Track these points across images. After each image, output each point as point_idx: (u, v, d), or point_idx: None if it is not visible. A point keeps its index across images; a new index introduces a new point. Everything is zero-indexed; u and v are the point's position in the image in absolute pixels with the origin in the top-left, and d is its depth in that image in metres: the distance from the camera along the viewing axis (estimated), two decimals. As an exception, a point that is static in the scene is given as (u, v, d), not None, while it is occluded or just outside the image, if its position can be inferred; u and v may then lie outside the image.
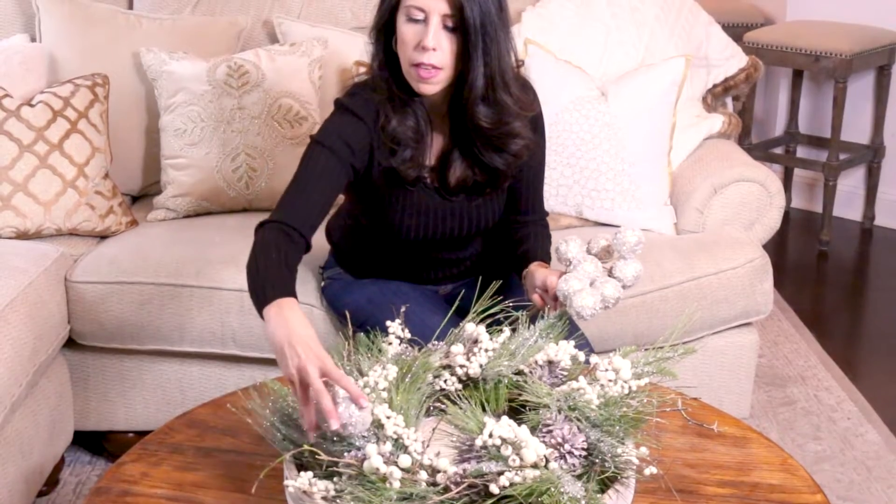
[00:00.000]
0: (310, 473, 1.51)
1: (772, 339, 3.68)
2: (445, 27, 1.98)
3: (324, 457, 1.53)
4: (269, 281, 1.83)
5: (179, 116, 2.85)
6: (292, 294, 1.81)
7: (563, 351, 1.75)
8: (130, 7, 3.18)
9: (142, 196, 3.10)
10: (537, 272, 2.05)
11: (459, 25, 1.97)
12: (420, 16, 1.98)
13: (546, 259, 2.21)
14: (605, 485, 1.55)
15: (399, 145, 2.10)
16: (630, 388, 1.66)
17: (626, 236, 1.90)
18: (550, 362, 1.76)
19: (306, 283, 2.57)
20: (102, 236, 2.79)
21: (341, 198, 2.29)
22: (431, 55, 1.97)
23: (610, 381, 1.66)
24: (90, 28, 2.99)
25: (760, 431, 2.09)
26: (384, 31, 2.06)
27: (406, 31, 1.99)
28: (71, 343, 2.66)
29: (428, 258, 2.32)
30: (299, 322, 1.71)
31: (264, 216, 2.82)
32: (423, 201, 2.19)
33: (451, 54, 1.99)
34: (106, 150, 2.81)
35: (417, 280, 2.37)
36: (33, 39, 3.02)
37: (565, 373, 1.75)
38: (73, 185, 2.70)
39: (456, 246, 2.30)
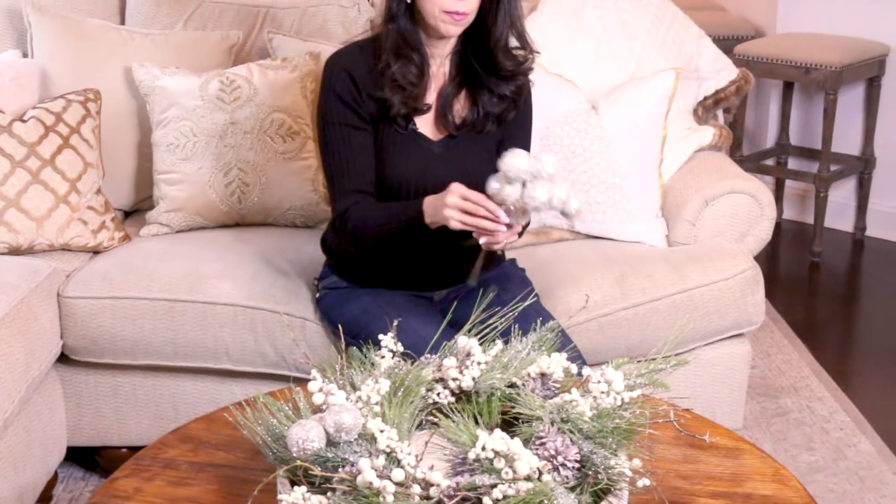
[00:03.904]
0: (303, 488, 1.51)
1: (764, 350, 3.69)
2: None
3: (317, 472, 1.53)
4: (397, 213, 2.22)
5: (172, 131, 2.86)
6: (414, 203, 2.19)
7: (556, 363, 1.75)
8: (122, 22, 3.18)
9: (134, 211, 3.10)
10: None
11: None
12: None
13: None
14: (598, 496, 1.55)
15: (398, 86, 2.28)
16: (623, 399, 1.66)
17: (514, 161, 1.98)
18: (543, 374, 1.76)
19: (300, 295, 2.58)
20: (95, 252, 2.79)
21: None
22: (465, 3, 2.20)
23: (602, 393, 1.67)
24: (82, 43, 2.99)
25: (753, 442, 2.10)
26: None
27: None
28: (64, 358, 2.66)
29: (428, 249, 2.32)
30: (430, 200, 2.15)
31: (257, 231, 2.88)
32: (415, 145, 2.34)
33: (478, 1, 2.24)
34: (98, 165, 2.81)
35: (413, 284, 2.37)
36: (25, 55, 3.02)
37: (558, 385, 1.75)
38: (65, 201, 2.70)
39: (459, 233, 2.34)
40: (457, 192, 2.07)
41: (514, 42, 2.34)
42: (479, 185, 2.18)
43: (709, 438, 1.88)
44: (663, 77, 2.95)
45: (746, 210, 2.90)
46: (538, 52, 2.38)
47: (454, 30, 2.25)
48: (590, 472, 1.56)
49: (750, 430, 3.13)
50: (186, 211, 2.87)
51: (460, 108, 2.37)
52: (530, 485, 1.48)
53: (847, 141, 4.83)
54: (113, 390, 2.70)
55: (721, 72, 3.25)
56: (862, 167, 4.81)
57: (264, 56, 3.12)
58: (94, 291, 2.60)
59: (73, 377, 2.70)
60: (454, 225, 2.07)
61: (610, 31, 3.15)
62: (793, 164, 5.08)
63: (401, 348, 1.81)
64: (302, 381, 1.74)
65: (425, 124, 2.36)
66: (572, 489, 1.54)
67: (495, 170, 2.04)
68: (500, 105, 2.36)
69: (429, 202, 2.15)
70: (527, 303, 1.93)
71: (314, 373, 1.68)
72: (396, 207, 2.26)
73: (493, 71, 2.33)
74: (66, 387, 2.70)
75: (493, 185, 2.02)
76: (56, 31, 2.98)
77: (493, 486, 1.49)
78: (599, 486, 1.55)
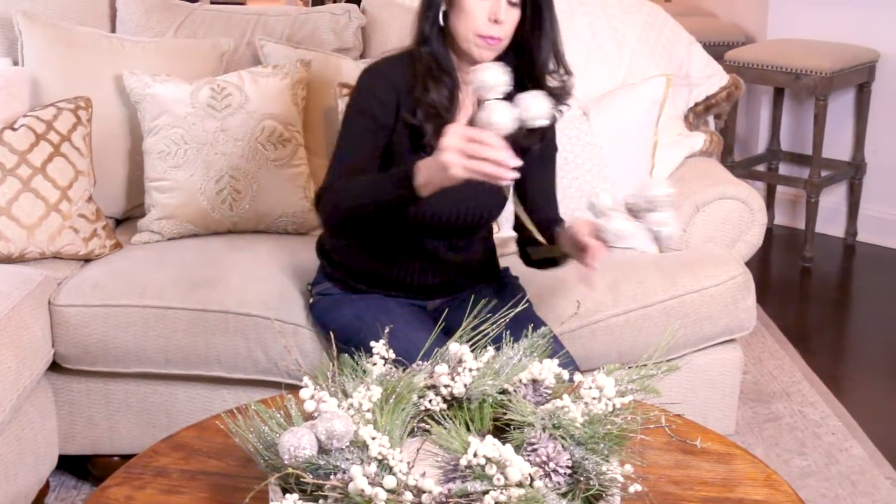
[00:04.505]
0: (295, 496, 1.51)
1: (756, 355, 3.70)
2: (510, 2, 2.16)
3: (309, 479, 1.53)
4: (388, 180, 2.07)
5: (163, 139, 2.86)
6: (402, 168, 2.04)
7: (547, 369, 1.76)
8: (113, 30, 3.18)
9: (126, 219, 3.10)
10: (576, 221, 2.06)
11: (522, 3, 2.17)
12: None
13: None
14: (589, 502, 1.55)
15: (433, 111, 2.21)
16: (614, 405, 1.66)
17: (653, 192, 1.88)
18: (534, 381, 1.76)
19: (293, 301, 2.58)
20: (86, 259, 2.79)
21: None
22: (500, 28, 2.15)
23: (594, 399, 1.67)
24: (73, 51, 2.99)
25: (745, 448, 2.10)
26: (434, 6, 2.21)
27: (474, 5, 2.15)
28: (55, 367, 2.65)
29: (427, 255, 2.32)
30: (425, 161, 1.98)
31: (249, 238, 2.88)
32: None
33: (513, 26, 2.18)
34: (89, 173, 2.81)
35: (408, 292, 2.37)
36: (16, 63, 3.02)
37: (549, 391, 1.76)
38: (56, 209, 2.70)
39: (461, 234, 2.35)
40: (455, 132, 1.88)
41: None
42: (493, 218, 2.26)
43: (700, 444, 1.89)
44: (654, 83, 2.96)
45: (737, 216, 2.91)
46: (572, 74, 2.29)
47: (488, 55, 2.18)
48: (581, 478, 1.56)
49: (742, 436, 3.14)
50: (178, 218, 2.87)
51: None
52: (522, 491, 1.48)
53: (838, 146, 4.85)
54: (105, 398, 2.70)
55: (712, 78, 3.27)
56: (853, 172, 4.82)
57: (255, 63, 3.12)
58: (86, 299, 2.60)
59: (65, 385, 2.69)
60: (457, 172, 1.88)
61: (600, 37, 3.16)
62: (784, 169, 5.09)
63: (392, 355, 1.81)
64: (294, 388, 1.74)
65: None
66: (564, 495, 1.55)
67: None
68: (526, 138, 2.24)
69: (423, 163, 1.98)
70: (518, 309, 1.92)
71: (306, 380, 1.68)
72: (382, 174, 2.16)
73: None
74: (58, 395, 2.69)
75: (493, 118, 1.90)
76: (46, 39, 2.98)
77: (485, 492, 1.49)
78: (591, 492, 1.55)
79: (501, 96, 1.93)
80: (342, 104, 2.92)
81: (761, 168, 5.07)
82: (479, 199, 2.29)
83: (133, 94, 2.90)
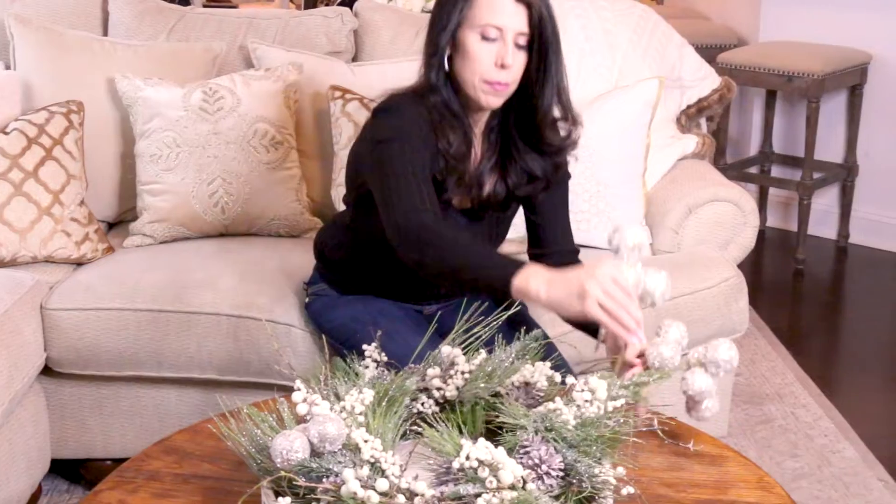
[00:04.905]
0: (288, 499, 1.51)
1: (749, 357, 3.70)
2: (517, 45, 2.05)
3: (301, 482, 1.53)
4: (489, 261, 1.91)
5: (155, 142, 2.85)
6: (519, 260, 1.90)
7: (539, 372, 1.76)
8: (105, 34, 3.18)
9: (118, 222, 3.10)
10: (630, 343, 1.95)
11: (529, 44, 2.05)
12: (495, 34, 2.03)
13: None
14: (582, 505, 1.55)
15: (456, 164, 2.11)
16: (606, 408, 1.67)
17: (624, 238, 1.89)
18: (527, 384, 1.76)
19: (285, 302, 2.57)
20: (78, 263, 2.78)
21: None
22: (508, 73, 2.04)
23: (587, 401, 1.67)
24: (65, 55, 2.99)
25: (738, 450, 2.10)
26: (439, 52, 2.08)
27: (479, 50, 2.04)
28: (47, 371, 2.65)
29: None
30: (556, 272, 1.82)
31: (241, 241, 2.87)
32: (451, 224, 2.16)
33: (520, 71, 2.07)
34: (81, 176, 2.81)
35: (405, 298, 2.37)
36: (8, 67, 3.01)
37: (542, 394, 1.76)
38: (48, 213, 2.69)
39: None
40: (609, 273, 1.78)
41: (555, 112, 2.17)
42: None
43: (693, 446, 1.89)
44: (646, 86, 2.96)
45: (730, 218, 2.91)
46: (582, 124, 2.19)
47: (495, 101, 2.08)
48: (574, 481, 1.56)
49: (735, 438, 3.14)
50: (170, 222, 2.87)
51: (489, 184, 2.20)
52: (514, 494, 1.48)
53: (830, 149, 4.86)
54: (97, 402, 2.69)
55: (704, 80, 3.27)
56: (845, 175, 4.83)
57: (247, 67, 3.12)
58: (78, 303, 2.59)
59: (57, 389, 2.69)
60: (591, 306, 1.77)
61: (593, 40, 3.17)
62: (776, 171, 5.10)
63: (385, 358, 1.81)
64: (287, 390, 1.74)
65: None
66: (556, 498, 1.54)
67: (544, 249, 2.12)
68: (527, 188, 2.20)
69: (544, 274, 1.83)
70: (511, 311, 1.92)
71: (298, 383, 1.68)
72: (494, 254, 1.97)
73: (536, 146, 2.16)
74: (50, 399, 2.69)
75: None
76: (39, 42, 2.98)
77: (478, 495, 1.49)
78: (583, 495, 1.55)
79: (640, 258, 1.89)
80: (334, 107, 2.92)
81: (753, 170, 5.08)
82: (483, 235, 2.26)
83: (125, 98, 2.89)
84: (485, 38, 2.04)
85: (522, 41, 2.05)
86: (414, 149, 2.05)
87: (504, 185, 2.19)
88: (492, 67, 2.04)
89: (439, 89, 2.09)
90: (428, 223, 1.96)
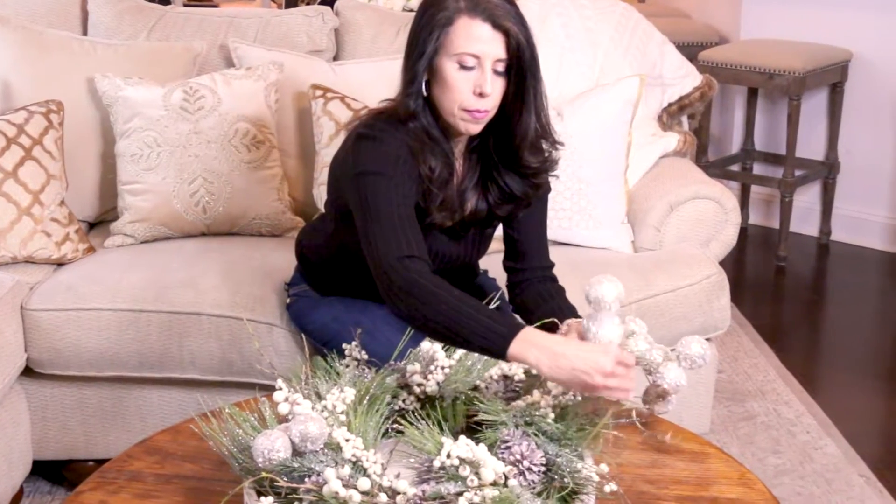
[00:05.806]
0: (270, 499, 1.51)
1: (731, 354, 3.71)
2: (495, 71, 2.00)
3: (283, 482, 1.53)
4: (484, 323, 1.80)
5: (135, 142, 2.84)
6: (515, 321, 1.89)
7: (517, 365, 1.76)
8: (85, 33, 3.16)
9: (99, 222, 3.08)
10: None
11: (507, 70, 2.01)
12: (473, 63, 1.99)
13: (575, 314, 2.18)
14: (564, 501, 1.56)
15: (438, 189, 2.09)
16: (581, 395, 1.68)
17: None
18: (505, 377, 1.77)
19: (267, 302, 2.57)
20: (59, 264, 2.77)
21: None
22: (487, 101, 2.00)
23: (563, 393, 1.68)
24: (44, 54, 2.97)
25: (720, 447, 2.11)
26: (417, 80, 2.04)
27: (457, 78, 2.00)
28: (28, 372, 2.63)
29: None
30: (555, 342, 1.77)
31: (223, 240, 2.86)
32: (434, 242, 2.16)
33: (500, 97, 2.03)
34: (61, 176, 2.79)
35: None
36: (-13, 66, 3.00)
37: (520, 386, 1.76)
38: (28, 213, 2.68)
39: (442, 272, 2.32)
40: (610, 359, 1.74)
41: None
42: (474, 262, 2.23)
43: (669, 439, 1.89)
44: (627, 83, 2.97)
45: (711, 215, 2.92)
46: (562, 144, 2.18)
47: (474, 128, 2.05)
48: (556, 477, 1.57)
49: (717, 435, 3.15)
50: (151, 221, 2.86)
51: (471, 203, 2.18)
52: (496, 491, 1.48)
53: (811, 146, 4.88)
54: (79, 403, 2.68)
55: (685, 78, 3.28)
56: (826, 172, 4.85)
57: (228, 66, 3.11)
58: (59, 303, 2.58)
59: (39, 390, 2.68)
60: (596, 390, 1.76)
61: (574, 38, 3.17)
62: (758, 169, 5.12)
63: (365, 357, 1.81)
64: (270, 389, 1.74)
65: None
66: (539, 494, 1.55)
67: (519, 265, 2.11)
68: (507, 207, 2.19)
69: (539, 352, 1.75)
70: (492, 306, 1.92)
71: (279, 382, 1.68)
72: (489, 313, 1.84)
73: (515, 168, 2.14)
74: (31, 400, 2.67)
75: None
76: (17, 42, 2.96)
77: (460, 493, 1.49)
78: (566, 491, 1.56)
79: (615, 311, 1.88)
80: (315, 106, 2.91)
81: (735, 168, 5.09)
82: (463, 252, 2.26)
83: (105, 97, 2.88)
84: (462, 66, 2.00)
85: (501, 67, 2.01)
86: (398, 184, 2.01)
87: (486, 203, 2.18)
88: (470, 96, 2.00)
89: (419, 116, 2.06)
90: (417, 278, 1.89)
